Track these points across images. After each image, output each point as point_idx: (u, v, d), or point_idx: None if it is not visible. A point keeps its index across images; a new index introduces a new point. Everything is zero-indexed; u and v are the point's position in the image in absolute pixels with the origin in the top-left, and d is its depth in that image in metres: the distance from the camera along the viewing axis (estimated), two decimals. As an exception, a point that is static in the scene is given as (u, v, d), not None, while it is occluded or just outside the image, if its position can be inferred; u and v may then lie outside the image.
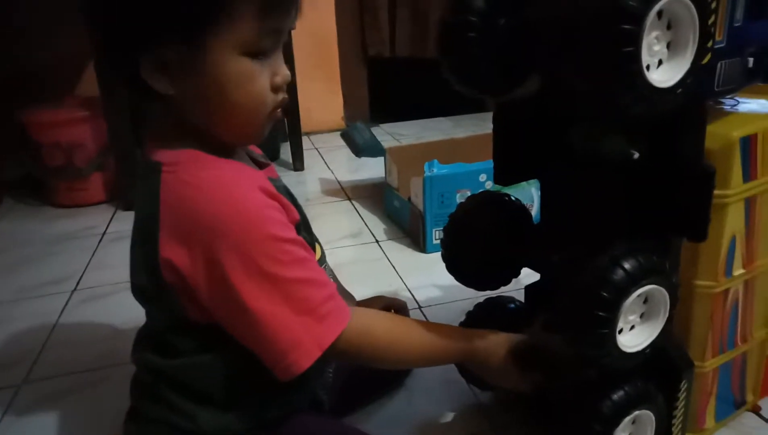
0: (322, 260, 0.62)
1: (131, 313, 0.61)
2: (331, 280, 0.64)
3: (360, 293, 1.02)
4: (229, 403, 0.54)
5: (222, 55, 0.49)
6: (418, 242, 1.20)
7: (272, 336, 0.50)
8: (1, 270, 1.22)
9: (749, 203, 0.60)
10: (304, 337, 0.50)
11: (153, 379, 0.57)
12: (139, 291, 0.55)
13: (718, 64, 0.52)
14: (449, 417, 0.73)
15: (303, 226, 0.57)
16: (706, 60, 0.48)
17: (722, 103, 0.62)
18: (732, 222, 0.59)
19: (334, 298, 0.53)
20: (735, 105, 0.61)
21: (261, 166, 0.60)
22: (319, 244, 0.63)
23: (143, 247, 0.52)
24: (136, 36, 0.48)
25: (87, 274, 1.17)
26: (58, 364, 0.88)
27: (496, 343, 0.61)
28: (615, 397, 0.55)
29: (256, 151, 0.64)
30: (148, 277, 0.52)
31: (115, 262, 1.20)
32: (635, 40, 0.43)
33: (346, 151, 1.62)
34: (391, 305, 0.81)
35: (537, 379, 0.60)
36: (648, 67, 0.45)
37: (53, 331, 0.97)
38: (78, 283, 1.13)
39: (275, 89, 0.52)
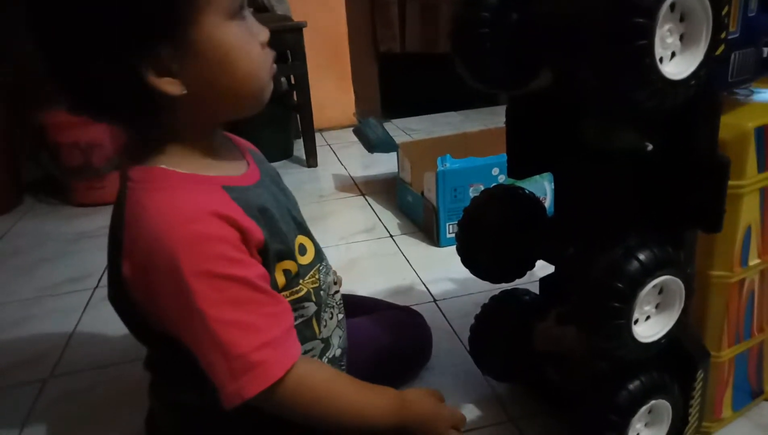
0: (317, 260, 0.61)
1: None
2: (327, 283, 0.63)
3: (375, 288, 1.04)
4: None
5: (215, 27, 0.49)
6: (432, 236, 1.20)
7: (204, 366, 0.50)
8: (24, 268, 1.25)
9: (764, 193, 0.60)
10: (226, 382, 0.49)
11: (160, 383, 0.60)
12: (111, 301, 0.56)
13: (732, 55, 0.52)
14: (467, 408, 0.74)
15: (279, 238, 0.55)
16: (719, 51, 0.48)
17: (737, 93, 0.62)
18: (747, 212, 0.59)
19: (273, 346, 0.50)
20: (749, 95, 0.61)
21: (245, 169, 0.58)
22: (313, 242, 0.62)
23: (112, 259, 0.53)
24: (131, 47, 0.47)
25: (107, 271, 1.19)
26: (83, 360, 0.90)
27: (422, 393, 0.61)
28: (631, 387, 0.55)
29: (247, 145, 0.63)
30: (116, 290, 0.53)
31: (135, 260, 1.22)
32: (648, 33, 0.43)
33: (358, 147, 1.63)
34: None
35: (461, 415, 0.62)
36: (661, 60, 0.45)
37: (76, 327, 0.99)
38: (99, 281, 1.15)
39: (263, 46, 0.53)
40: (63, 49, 0.48)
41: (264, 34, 0.53)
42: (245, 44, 0.51)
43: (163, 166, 0.52)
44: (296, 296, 0.58)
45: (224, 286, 0.49)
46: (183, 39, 0.48)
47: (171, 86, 0.49)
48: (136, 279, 0.50)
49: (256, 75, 0.52)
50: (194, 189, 0.51)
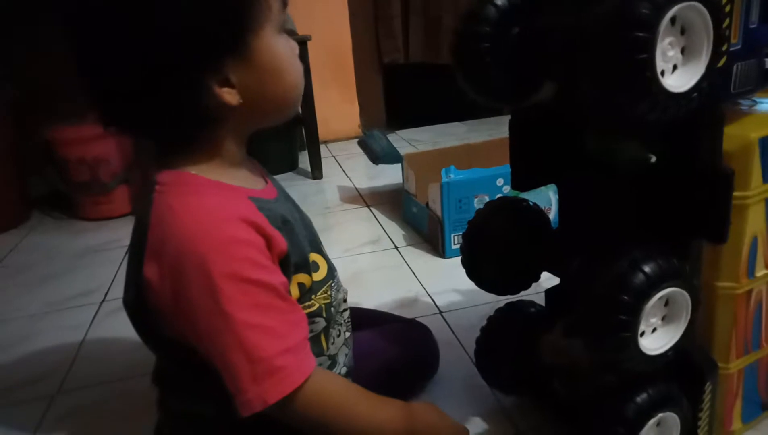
0: (329, 276, 0.62)
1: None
2: (336, 298, 0.63)
3: (381, 299, 1.04)
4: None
5: (271, 39, 0.52)
6: (437, 247, 1.20)
7: (223, 371, 0.50)
8: (32, 283, 1.25)
9: (770, 203, 0.59)
10: (247, 386, 0.49)
11: (169, 399, 0.59)
12: (126, 306, 0.56)
13: (734, 67, 0.52)
14: (474, 422, 0.74)
15: (298, 251, 0.56)
16: (721, 63, 0.49)
17: (740, 104, 0.62)
18: (753, 223, 0.59)
19: (294, 352, 0.51)
20: (753, 105, 0.61)
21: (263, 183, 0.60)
22: (326, 258, 0.62)
23: (133, 262, 0.53)
24: (201, 59, 0.48)
25: (114, 285, 1.20)
26: (90, 375, 0.90)
27: (426, 405, 0.61)
28: (638, 400, 0.55)
29: (259, 166, 0.64)
30: (134, 294, 0.53)
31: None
32: (649, 47, 0.43)
33: (363, 159, 1.64)
34: None
35: (464, 427, 0.62)
36: (663, 73, 0.45)
37: (83, 342, 1.00)
38: (106, 295, 1.16)
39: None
40: (130, 65, 0.48)
41: (296, 48, 0.56)
42: (291, 56, 0.55)
43: (192, 171, 0.53)
44: (308, 311, 0.58)
45: (251, 290, 0.49)
46: (245, 50, 0.50)
47: (230, 96, 0.51)
48: (162, 281, 0.50)
49: (299, 85, 0.56)
50: (223, 194, 0.52)
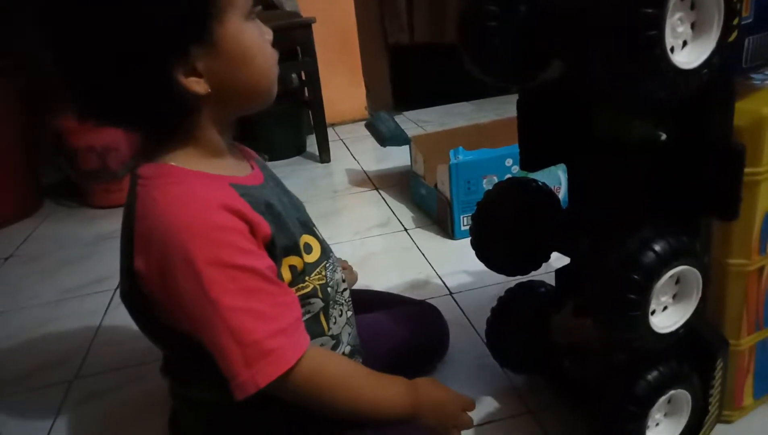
0: (323, 257, 0.62)
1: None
2: (334, 278, 0.63)
3: (391, 282, 1.04)
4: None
5: (236, 26, 0.51)
6: (447, 229, 1.21)
7: (216, 357, 0.51)
8: (46, 271, 1.27)
9: (782, 179, 0.59)
10: (239, 370, 0.50)
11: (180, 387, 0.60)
12: (123, 298, 0.57)
13: (746, 41, 0.51)
14: (485, 401, 0.74)
15: (285, 234, 0.56)
16: (732, 38, 0.48)
17: (752, 78, 0.61)
18: (765, 199, 0.58)
19: (285, 334, 0.51)
20: (765, 80, 0.60)
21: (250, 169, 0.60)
22: (319, 240, 0.62)
23: (124, 255, 0.54)
24: (164, 48, 0.48)
25: (127, 272, 1.21)
26: (106, 360, 0.92)
27: (430, 381, 0.62)
28: (649, 377, 0.55)
29: (252, 153, 0.64)
30: (129, 285, 0.54)
31: (153, 260, 1.23)
32: (658, 23, 0.42)
33: (371, 141, 1.63)
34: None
35: (470, 399, 0.63)
36: (672, 49, 0.44)
37: (99, 328, 1.01)
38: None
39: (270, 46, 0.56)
40: (93, 55, 0.48)
41: (269, 34, 0.56)
42: (260, 43, 0.54)
43: (172, 163, 0.53)
44: (303, 292, 0.58)
45: (236, 276, 0.50)
46: (209, 38, 0.50)
47: (197, 85, 0.51)
48: (151, 272, 0.51)
49: (269, 72, 0.55)
50: (203, 183, 0.53)
